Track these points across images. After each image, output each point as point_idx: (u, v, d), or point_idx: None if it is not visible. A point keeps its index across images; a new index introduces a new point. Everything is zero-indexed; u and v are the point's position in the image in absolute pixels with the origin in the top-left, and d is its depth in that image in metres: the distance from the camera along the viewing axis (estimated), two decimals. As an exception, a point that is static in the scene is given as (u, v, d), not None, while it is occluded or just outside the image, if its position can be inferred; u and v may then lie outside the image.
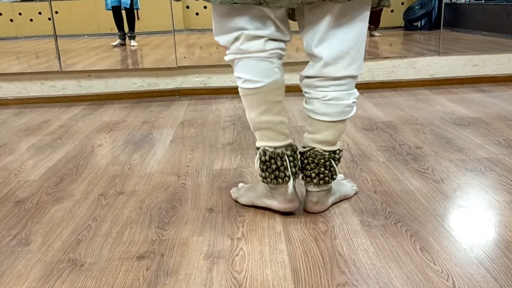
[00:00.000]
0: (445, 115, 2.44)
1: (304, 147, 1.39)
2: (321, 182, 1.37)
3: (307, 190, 1.41)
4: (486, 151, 1.89)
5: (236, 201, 1.52)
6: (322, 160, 1.35)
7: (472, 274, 1.09)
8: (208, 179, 1.72)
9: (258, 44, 1.25)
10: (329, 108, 1.30)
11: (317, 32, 1.25)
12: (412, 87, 3.17)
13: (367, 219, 1.37)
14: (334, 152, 1.37)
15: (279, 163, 1.33)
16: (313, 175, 1.36)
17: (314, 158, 1.35)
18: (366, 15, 1.25)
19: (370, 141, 2.07)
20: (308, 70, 1.32)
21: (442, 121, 2.33)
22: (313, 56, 1.30)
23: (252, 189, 1.49)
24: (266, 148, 1.34)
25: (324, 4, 1.21)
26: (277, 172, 1.34)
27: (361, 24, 1.24)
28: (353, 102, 1.32)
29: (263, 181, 1.38)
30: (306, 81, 1.33)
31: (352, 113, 1.34)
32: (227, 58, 1.32)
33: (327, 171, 1.36)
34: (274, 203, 1.40)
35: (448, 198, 1.49)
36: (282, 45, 1.30)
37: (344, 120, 1.33)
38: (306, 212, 1.43)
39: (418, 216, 1.38)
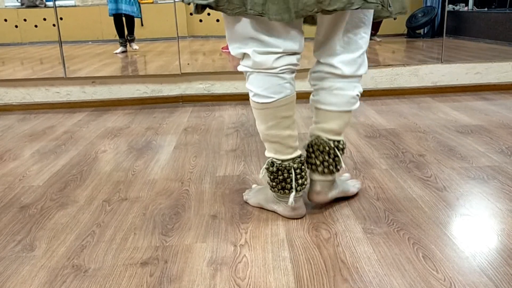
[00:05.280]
0: (447, 123, 2.45)
1: (310, 137, 1.45)
2: (326, 170, 1.41)
3: (311, 180, 1.45)
4: (489, 159, 1.89)
5: (246, 203, 1.56)
6: (327, 148, 1.40)
7: (474, 283, 1.09)
8: (211, 185, 1.73)
9: (269, 60, 1.27)
10: (335, 98, 1.37)
11: (329, 41, 1.32)
12: (414, 94, 3.18)
13: (369, 226, 1.38)
14: (339, 141, 1.43)
15: (285, 175, 1.38)
16: (318, 162, 1.41)
17: (319, 146, 1.41)
18: (368, 25, 1.33)
19: (373, 149, 2.07)
20: (316, 68, 1.40)
21: (444, 129, 2.34)
22: (320, 62, 1.39)
23: (262, 192, 1.53)
24: (274, 160, 1.39)
25: (336, 14, 1.27)
26: (283, 184, 1.39)
27: (365, 34, 1.33)
28: (357, 95, 1.39)
29: (271, 189, 1.43)
30: (314, 75, 1.40)
31: (357, 106, 1.40)
32: (240, 69, 1.35)
33: (331, 160, 1.41)
34: (280, 209, 1.45)
35: (451, 206, 1.50)
36: (293, 60, 1.30)
37: (349, 112, 1.39)
38: (312, 217, 1.43)
39: (421, 224, 1.38)
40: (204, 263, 1.21)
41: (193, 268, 1.20)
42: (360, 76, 1.38)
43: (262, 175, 1.43)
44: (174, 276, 1.16)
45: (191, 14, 3.60)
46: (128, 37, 3.56)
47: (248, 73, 1.33)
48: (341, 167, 1.44)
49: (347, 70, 1.34)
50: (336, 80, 1.36)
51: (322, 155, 1.41)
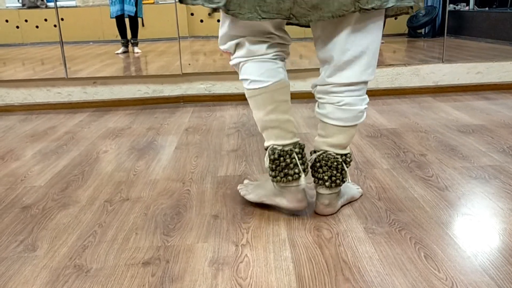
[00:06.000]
0: (449, 123, 2.44)
1: (316, 151, 1.42)
2: (333, 185, 1.40)
3: (318, 193, 1.43)
4: (490, 159, 1.89)
5: (245, 198, 1.54)
6: (335, 163, 1.38)
7: (476, 282, 1.09)
8: (212, 185, 1.73)
9: (262, 47, 1.33)
10: (343, 113, 1.34)
11: (336, 42, 1.28)
12: (416, 94, 3.18)
13: (371, 226, 1.38)
14: (346, 155, 1.41)
15: (288, 160, 1.36)
16: (326, 177, 1.39)
17: (327, 161, 1.39)
18: (381, 23, 1.29)
19: (374, 148, 2.07)
20: (322, 79, 1.36)
21: (446, 129, 2.34)
22: (326, 62, 1.33)
23: (261, 186, 1.51)
24: (275, 146, 1.37)
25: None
26: (286, 170, 1.37)
27: (376, 31, 1.28)
28: (365, 108, 1.36)
29: (273, 180, 1.41)
30: (320, 88, 1.37)
31: (363, 118, 1.37)
32: (232, 62, 1.38)
33: (339, 174, 1.39)
34: (283, 202, 1.42)
35: (452, 205, 1.50)
36: (284, 48, 1.37)
37: (356, 125, 1.37)
38: (313, 217, 1.43)
39: (423, 223, 1.38)
40: (205, 263, 1.21)
41: (195, 268, 1.20)
42: (366, 82, 1.33)
43: (267, 164, 1.39)
44: (176, 276, 1.16)
45: (191, 14, 3.60)
46: (132, 41, 3.56)
47: (241, 64, 1.36)
48: (347, 178, 1.42)
49: (353, 75, 1.29)
50: (344, 93, 1.32)
51: (330, 170, 1.39)
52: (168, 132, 2.47)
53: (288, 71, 3.11)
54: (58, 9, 3.10)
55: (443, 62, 3.19)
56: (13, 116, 2.98)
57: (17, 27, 3.61)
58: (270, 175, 1.40)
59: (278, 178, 1.38)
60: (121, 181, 1.80)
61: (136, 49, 3.59)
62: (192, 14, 3.61)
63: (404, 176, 1.74)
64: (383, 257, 1.21)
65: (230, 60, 1.40)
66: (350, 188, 1.56)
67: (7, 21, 3.59)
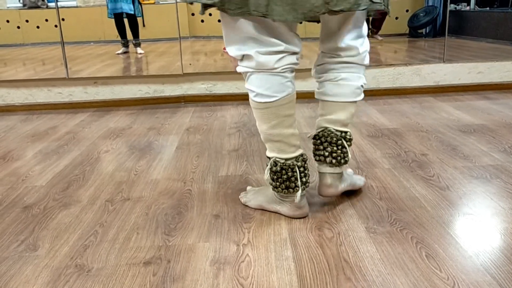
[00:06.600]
0: (450, 122, 2.44)
1: (317, 129, 1.46)
2: (334, 161, 1.42)
3: (320, 173, 1.45)
4: (492, 158, 1.89)
5: (245, 205, 1.53)
6: (334, 139, 1.42)
7: (478, 281, 1.09)
8: (213, 185, 1.73)
9: (271, 60, 1.27)
10: (340, 89, 1.39)
11: (339, 35, 1.36)
12: (417, 94, 3.18)
13: (372, 225, 1.38)
14: (346, 133, 1.44)
15: (289, 174, 1.37)
16: (326, 153, 1.42)
17: (327, 137, 1.42)
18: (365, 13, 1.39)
19: (376, 148, 2.07)
20: (322, 59, 1.43)
21: (447, 128, 2.34)
22: (327, 48, 1.42)
23: (261, 193, 1.52)
24: (277, 159, 1.37)
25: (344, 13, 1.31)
26: (287, 183, 1.37)
27: (363, 21, 1.39)
28: (362, 85, 1.41)
29: (273, 189, 1.42)
30: (318, 67, 1.43)
31: (361, 97, 1.42)
32: (239, 69, 1.34)
33: (339, 151, 1.42)
34: (283, 210, 1.44)
35: (454, 205, 1.49)
36: (294, 59, 1.31)
37: (354, 102, 1.41)
38: (314, 216, 1.43)
39: (424, 223, 1.38)
40: (207, 263, 1.21)
41: (196, 267, 1.20)
42: (364, 66, 1.41)
43: (267, 176, 1.41)
44: (177, 275, 1.16)
45: (192, 14, 3.60)
46: (134, 41, 3.56)
47: (248, 74, 1.32)
48: (348, 159, 1.45)
49: (353, 56, 1.37)
50: (341, 70, 1.39)
51: (330, 146, 1.42)
52: (169, 132, 2.47)
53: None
54: (59, 9, 3.10)
55: (444, 62, 3.19)
56: (14, 116, 2.98)
57: (18, 27, 3.61)
58: (271, 184, 1.41)
59: (279, 189, 1.39)
60: (122, 181, 1.80)
61: (139, 50, 3.59)
62: (193, 14, 3.61)
63: (405, 176, 1.74)
64: (385, 256, 1.21)
65: (237, 65, 1.36)
66: (352, 177, 1.59)
67: (8, 21, 3.60)
